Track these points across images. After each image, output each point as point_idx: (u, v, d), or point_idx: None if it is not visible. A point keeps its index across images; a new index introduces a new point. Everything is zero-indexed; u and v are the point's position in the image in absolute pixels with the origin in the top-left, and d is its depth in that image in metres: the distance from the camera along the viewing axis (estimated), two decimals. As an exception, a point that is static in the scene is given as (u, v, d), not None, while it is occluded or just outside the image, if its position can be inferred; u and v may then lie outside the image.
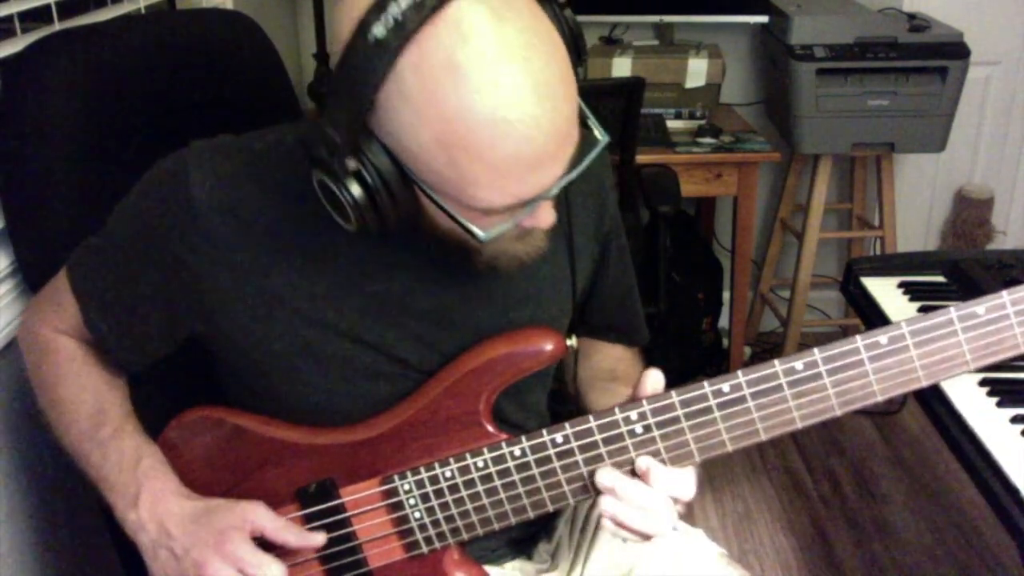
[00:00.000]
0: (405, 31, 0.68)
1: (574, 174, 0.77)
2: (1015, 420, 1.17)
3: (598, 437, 0.88)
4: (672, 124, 2.55)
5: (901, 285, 1.51)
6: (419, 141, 0.72)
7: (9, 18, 1.20)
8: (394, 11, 0.68)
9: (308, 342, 0.90)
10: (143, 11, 1.55)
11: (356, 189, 0.75)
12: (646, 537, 0.88)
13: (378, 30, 0.68)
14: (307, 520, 0.95)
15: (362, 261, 0.90)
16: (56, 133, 1.06)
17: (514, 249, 0.85)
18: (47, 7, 1.26)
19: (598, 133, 0.80)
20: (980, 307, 0.83)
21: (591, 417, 0.87)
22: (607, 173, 1.06)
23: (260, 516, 0.90)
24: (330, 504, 0.94)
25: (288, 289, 0.89)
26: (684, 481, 0.88)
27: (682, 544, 1.09)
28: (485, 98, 0.69)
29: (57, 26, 1.26)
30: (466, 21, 0.69)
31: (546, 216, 0.81)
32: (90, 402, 0.96)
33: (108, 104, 1.11)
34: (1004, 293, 0.83)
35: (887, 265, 1.58)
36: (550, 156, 0.74)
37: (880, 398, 0.85)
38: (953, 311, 0.83)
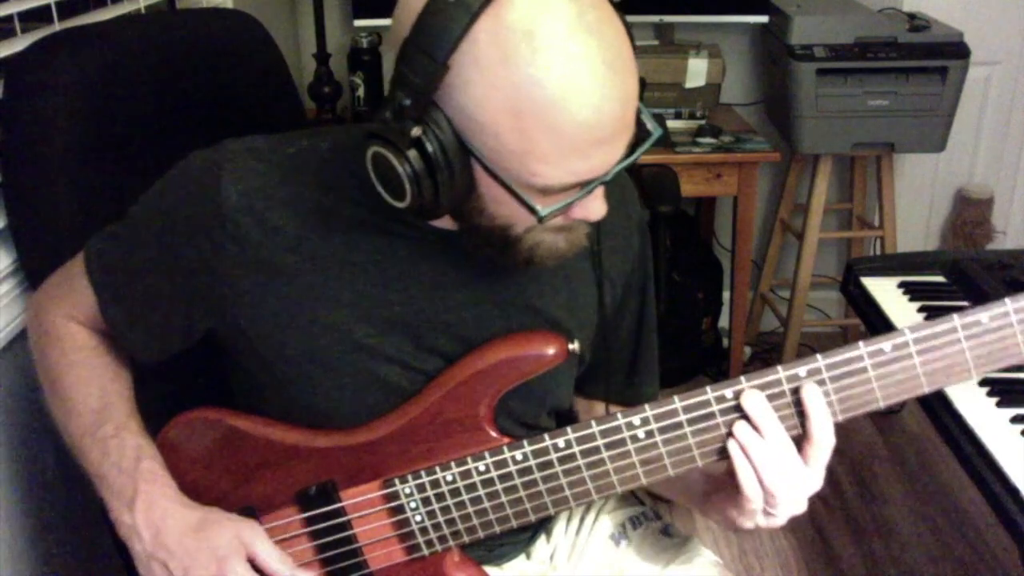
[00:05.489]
0: None
1: (630, 161, 0.78)
2: (1015, 420, 1.17)
3: (600, 442, 0.88)
4: (672, 124, 2.55)
5: (901, 285, 1.51)
6: (488, 109, 0.73)
7: (9, 18, 1.20)
8: None
9: (324, 349, 0.90)
10: (143, 11, 1.55)
11: (415, 157, 0.74)
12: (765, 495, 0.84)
13: None
14: (307, 523, 0.94)
15: (387, 273, 0.90)
16: (57, 132, 1.05)
17: (555, 240, 0.84)
18: (47, 7, 1.26)
19: (651, 126, 0.81)
20: (984, 315, 0.81)
21: (593, 422, 0.87)
22: (636, 209, 1.04)
23: (256, 542, 0.89)
24: (331, 507, 0.94)
25: (310, 297, 0.89)
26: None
27: (676, 551, 1.09)
28: (560, 67, 0.71)
29: (57, 26, 1.26)
30: None
31: (597, 207, 0.81)
32: (95, 395, 0.95)
33: (109, 104, 1.11)
34: (1007, 300, 0.82)
35: (887, 265, 1.58)
36: (615, 133, 0.75)
37: (882, 404, 0.85)
38: (957, 319, 0.82)
